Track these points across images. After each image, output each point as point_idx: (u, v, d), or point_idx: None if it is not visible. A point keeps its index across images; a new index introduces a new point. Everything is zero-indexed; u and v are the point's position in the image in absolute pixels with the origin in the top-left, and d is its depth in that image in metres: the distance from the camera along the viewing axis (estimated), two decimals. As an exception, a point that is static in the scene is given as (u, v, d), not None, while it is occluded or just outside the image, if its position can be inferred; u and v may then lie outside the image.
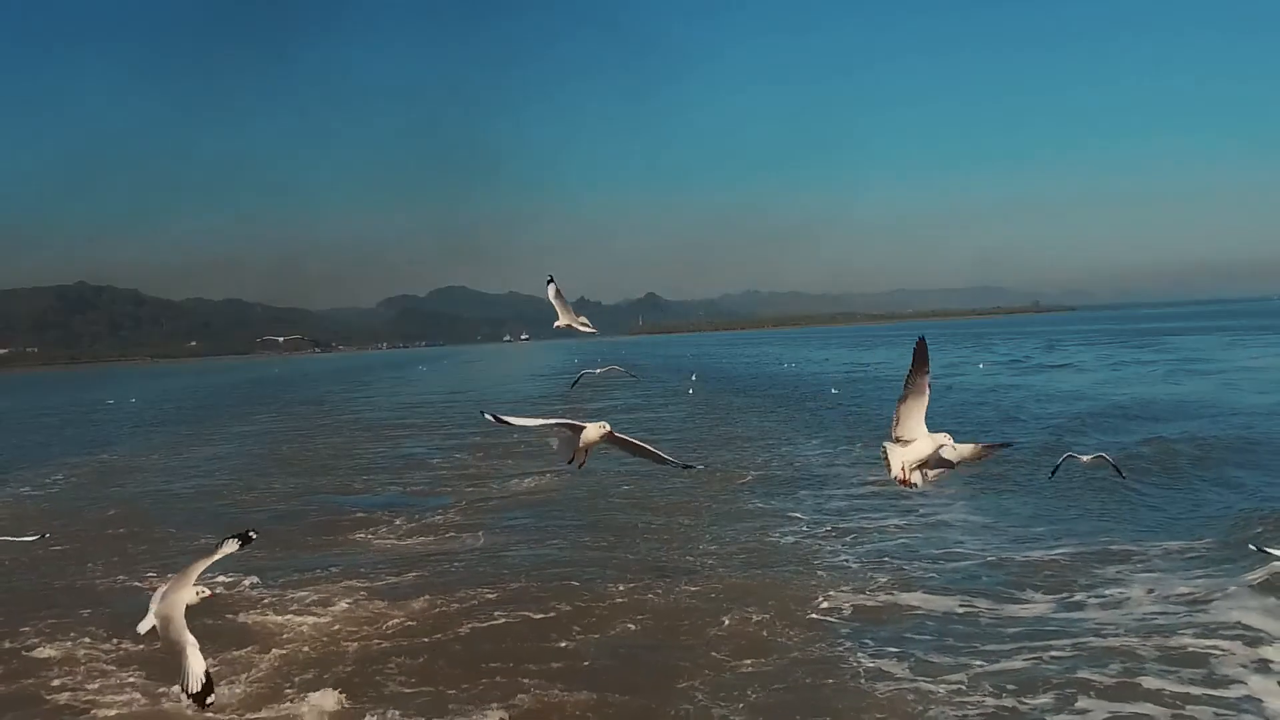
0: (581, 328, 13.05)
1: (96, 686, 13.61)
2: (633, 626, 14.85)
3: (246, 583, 18.82)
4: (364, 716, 12.16)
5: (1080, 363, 75.15)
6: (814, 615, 14.81)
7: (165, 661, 14.06)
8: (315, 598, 17.56)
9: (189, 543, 23.70)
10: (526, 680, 12.85)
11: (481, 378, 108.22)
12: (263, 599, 17.73)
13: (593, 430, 8.82)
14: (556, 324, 12.89)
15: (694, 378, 75.56)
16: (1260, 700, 10.90)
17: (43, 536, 15.76)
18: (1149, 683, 11.41)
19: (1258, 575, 14.60)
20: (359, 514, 25.82)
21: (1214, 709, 10.83)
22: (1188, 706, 10.89)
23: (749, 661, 12.93)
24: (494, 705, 12.10)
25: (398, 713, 12.20)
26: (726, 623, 14.55)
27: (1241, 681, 11.37)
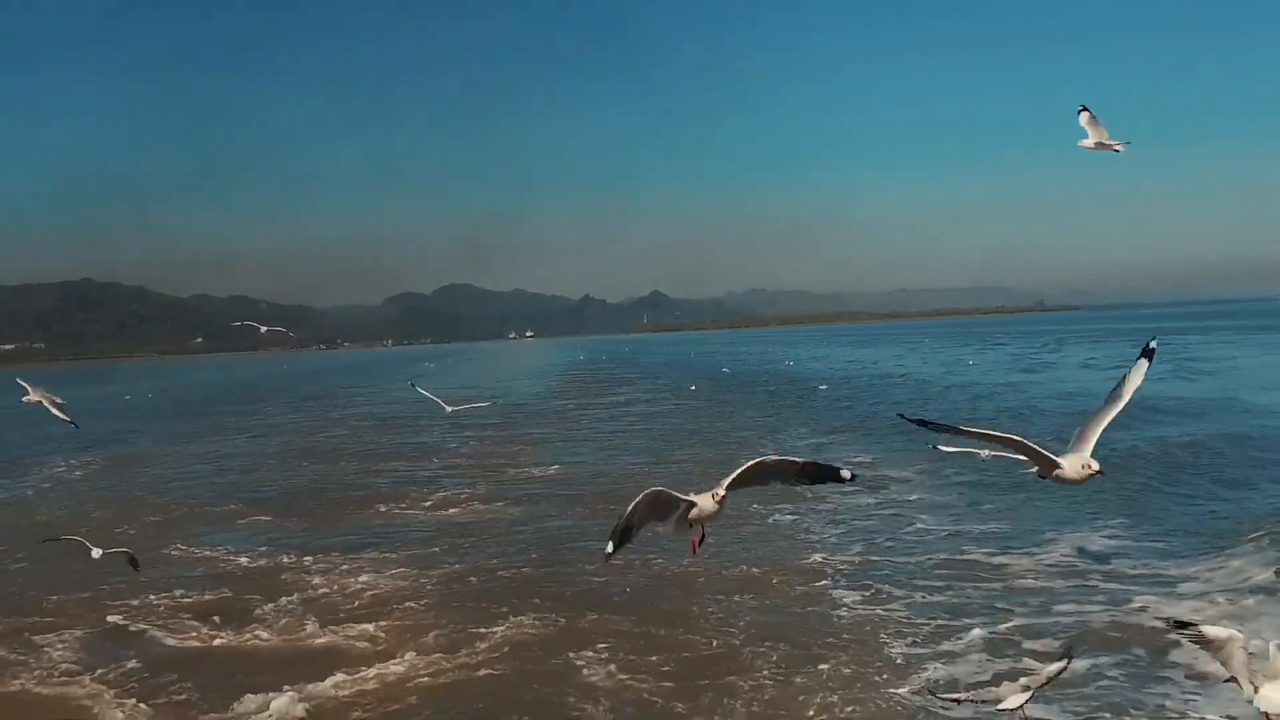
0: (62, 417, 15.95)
1: (178, 627, 16.06)
2: (649, 576, 17.63)
3: (285, 552, 21.08)
4: (415, 636, 14.73)
5: (1084, 361, 76.75)
6: (800, 567, 17.64)
7: (229, 608, 16.53)
8: (349, 560, 20.01)
9: (220, 510, 26.69)
10: (554, 604, 15.88)
11: (489, 374, 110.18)
12: (303, 564, 19.94)
13: (1072, 469, 7.77)
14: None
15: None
16: (1145, 610, 13.99)
17: (132, 562, 16.01)
18: (1060, 607, 14.47)
19: (1168, 543, 17.40)
20: (383, 493, 28.25)
21: (1109, 616, 13.81)
22: (1087, 617, 13.93)
23: (749, 596, 16.00)
24: (530, 620, 15.13)
25: (450, 625, 15.05)
26: (730, 573, 17.40)
27: (1133, 603, 14.35)
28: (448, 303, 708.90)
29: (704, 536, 7.91)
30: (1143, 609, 14.05)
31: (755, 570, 17.21)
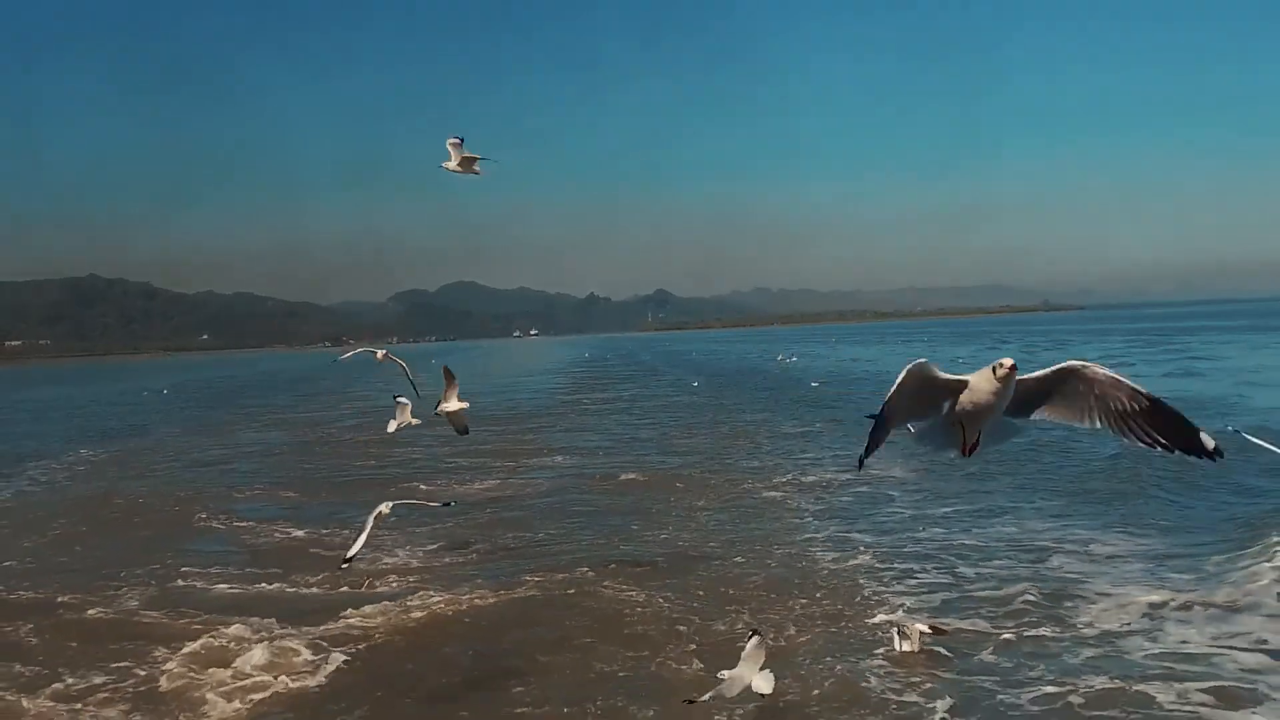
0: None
1: (228, 583, 18.35)
2: (670, 547, 19.97)
3: (315, 524, 23.25)
4: (461, 580, 17.66)
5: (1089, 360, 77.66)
6: (791, 537, 20.15)
7: (272, 569, 18.65)
8: (382, 530, 21.67)
9: (249, 489, 29.08)
10: (587, 556, 18.97)
11: (495, 371, 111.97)
12: (336, 535, 21.88)
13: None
14: None
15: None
16: (1060, 566, 16.88)
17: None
18: (999, 563, 17.39)
19: (1102, 520, 19.85)
20: (405, 475, 30.22)
21: (1035, 572, 16.53)
22: (1018, 569, 16.87)
23: (751, 556, 18.69)
24: (566, 570, 17.97)
25: (493, 571, 18.32)
26: (729, 538, 20.15)
27: (1051, 561, 17.18)
28: (453, 299, 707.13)
29: (979, 442, 6.10)
30: (1059, 565, 17.10)
31: (757, 546, 19.57)
